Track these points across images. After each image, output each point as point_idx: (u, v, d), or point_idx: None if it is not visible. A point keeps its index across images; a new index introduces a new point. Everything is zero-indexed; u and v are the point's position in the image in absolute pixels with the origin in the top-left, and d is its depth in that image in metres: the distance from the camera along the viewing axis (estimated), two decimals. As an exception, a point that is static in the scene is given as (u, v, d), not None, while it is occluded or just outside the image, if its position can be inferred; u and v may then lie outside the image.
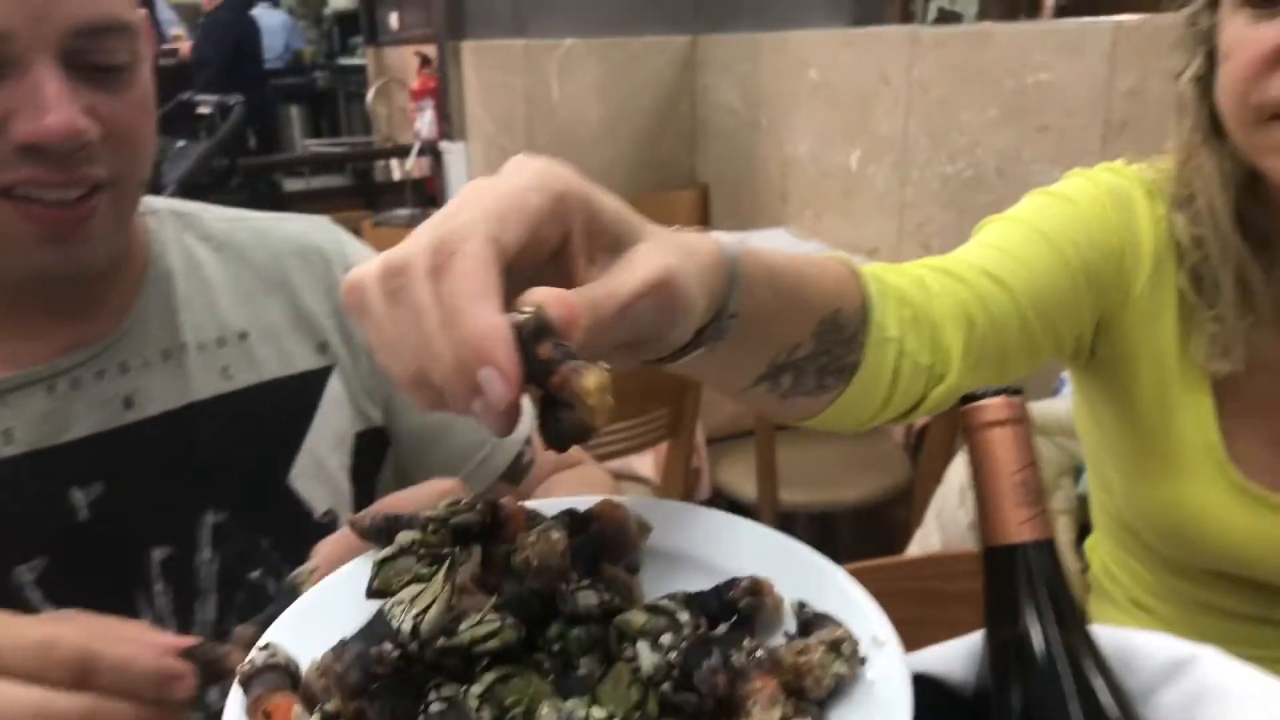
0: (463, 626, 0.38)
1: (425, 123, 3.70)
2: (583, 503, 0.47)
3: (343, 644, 0.37)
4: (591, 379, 0.35)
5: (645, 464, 1.97)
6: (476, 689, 0.37)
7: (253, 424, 0.69)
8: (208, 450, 0.67)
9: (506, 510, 0.45)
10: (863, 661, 0.39)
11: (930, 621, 0.55)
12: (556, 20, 2.94)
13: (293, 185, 5.10)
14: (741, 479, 1.94)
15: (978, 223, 0.77)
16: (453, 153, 3.59)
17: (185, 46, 5.82)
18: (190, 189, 2.96)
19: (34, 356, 0.63)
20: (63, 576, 0.62)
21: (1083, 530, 1.03)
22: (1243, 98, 0.67)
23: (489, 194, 0.38)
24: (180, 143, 3.24)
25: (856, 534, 2.17)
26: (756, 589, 0.43)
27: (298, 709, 0.38)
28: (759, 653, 0.38)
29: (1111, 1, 1.72)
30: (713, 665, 0.37)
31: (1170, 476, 0.78)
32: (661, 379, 1.71)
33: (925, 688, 0.41)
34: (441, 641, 0.37)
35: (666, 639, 0.38)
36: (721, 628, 0.42)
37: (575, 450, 0.72)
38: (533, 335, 0.36)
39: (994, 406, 0.43)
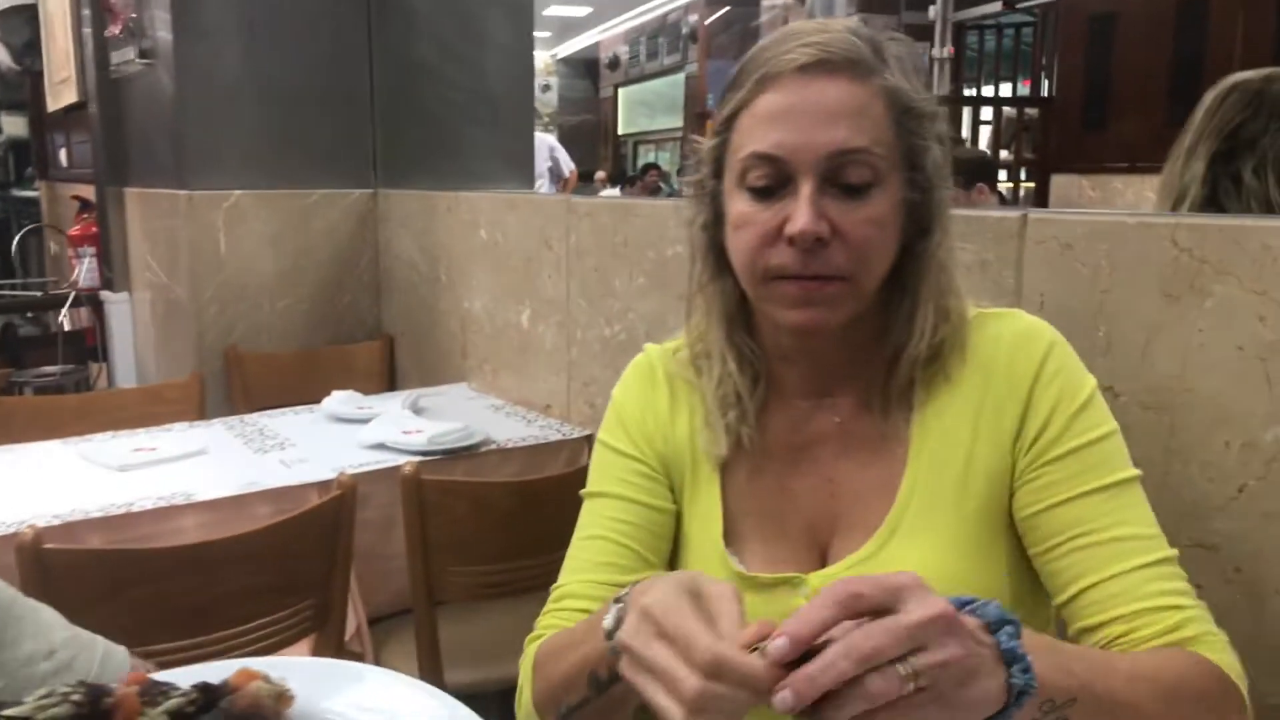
0: None
1: (85, 271, 3.41)
2: (221, 670, 0.45)
3: None
4: None
5: (303, 654, 1.82)
6: None
7: None
8: None
9: (116, 697, 0.42)
10: None
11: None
12: (223, 171, 2.82)
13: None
14: (408, 658, 1.83)
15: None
16: (116, 303, 3.31)
17: None
18: None
19: None
20: None
21: None
22: (752, 264, 0.86)
23: None
24: None
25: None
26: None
27: None
28: None
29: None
30: None
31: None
32: (307, 566, 1.60)
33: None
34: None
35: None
36: None
37: None
38: None
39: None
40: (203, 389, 2.46)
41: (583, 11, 13.39)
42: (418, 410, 2.25)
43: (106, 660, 0.79)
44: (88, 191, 3.69)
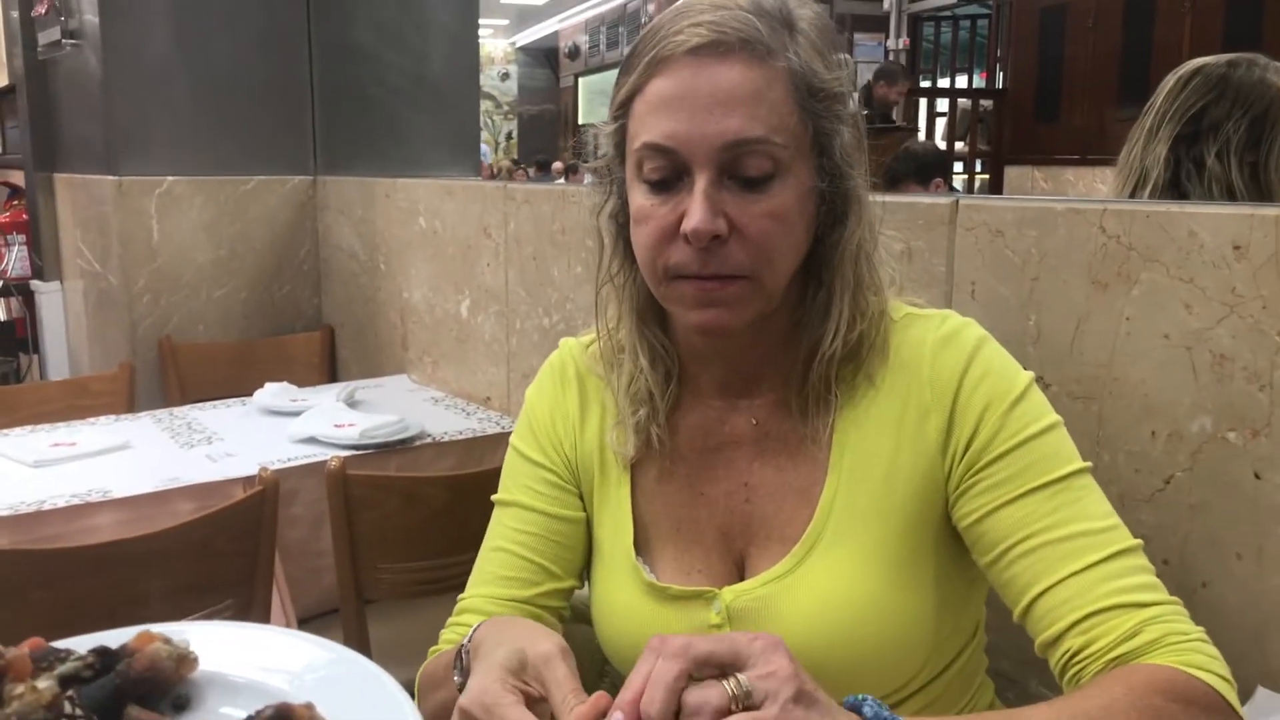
0: None
1: (15, 259, 3.30)
2: (123, 636, 0.45)
3: None
4: None
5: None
6: None
7: None
8: None
9: (7, 658, 0.42)
10: None
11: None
12: (154, 156, 2.74)
13: None
14: (339, 659, 1.78)
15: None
16: (47, 293, 3.21)
17: None
18: None
19: None
20: None
21: None
22: (653, 262, 0.81)
23: None
24: None
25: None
26: (287, 713, 0.42)
27: None
28: None
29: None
30: None
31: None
32: (227, 564, 1.54)
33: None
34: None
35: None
36: None
37: None
38: None
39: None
40: (132, 381, 2.39)
41: (541, 0, 13.28)
42: (353, 403, 2.19)
43: None
44: (18, 178, 3.57)
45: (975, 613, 0.93)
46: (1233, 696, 0.70)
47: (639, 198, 0.81)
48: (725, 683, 0.56)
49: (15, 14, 3.19)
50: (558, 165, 11.39)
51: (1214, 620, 0.96)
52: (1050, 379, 1.09)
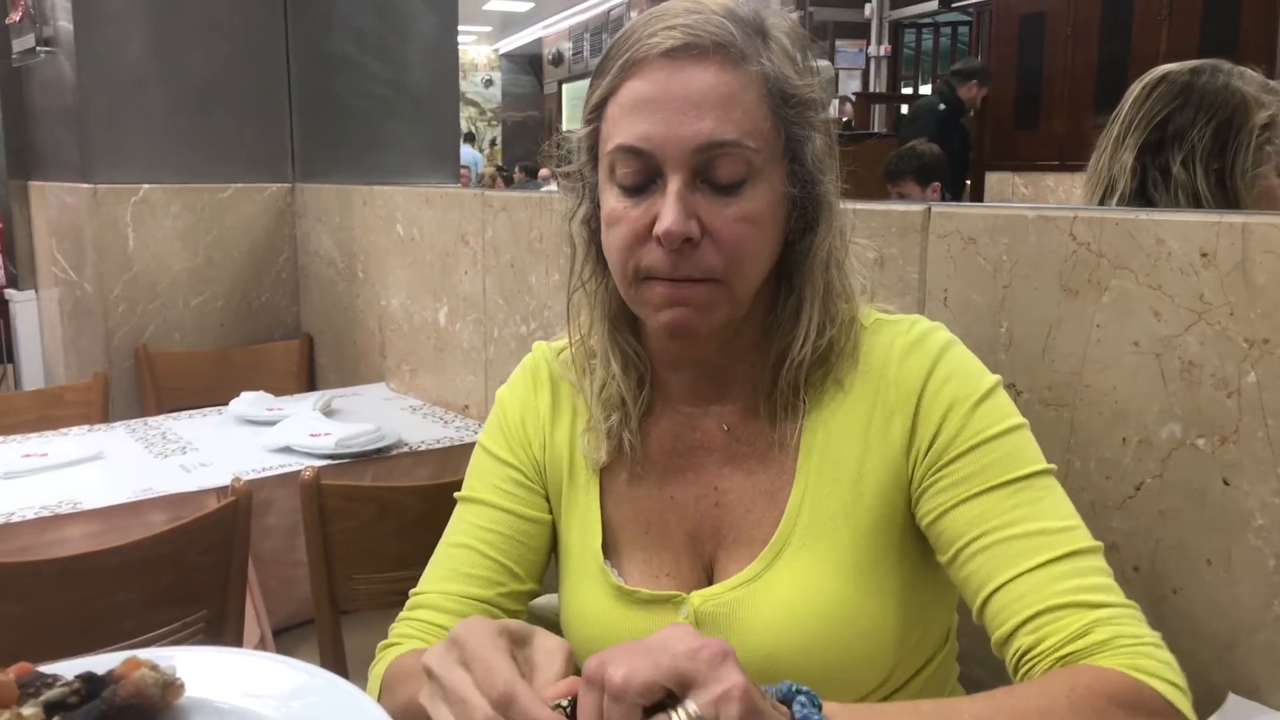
0: None
1: (-11, 268, 3.27)
2: (112, 662, 0.45)
3: None
4: None
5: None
6: None
7: None
8: None
9: None
10: None
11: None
12: (130, 164, 2.71)
13: None
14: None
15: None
16: (21, 302, 3.18)
17: None
18: None
19: None
20: None
21: None
22: (624, 264, 0.81)
23: None
24: None
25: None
26: None
27: None
28: None
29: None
30: None
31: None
32: (200, 576, 1.53)
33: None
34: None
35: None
36: None
37: None
38: None
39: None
40: (106, 391, 2.36)
41: (524, 7, 13.29)
42: (330, 412, 2.18)
43: None
44: (-7, 185, 3.54)
45: (945, 619, 0.93)
46: (1183, 704, 0.69)
47: (611, 200, 0.81)
48: (674, 714, 0.54)
49: (-10, 21, 3.16)
50: (544, 171, 11.39)
51: (1185, 626, 0.96)
52: (1022, 386, 1.09)
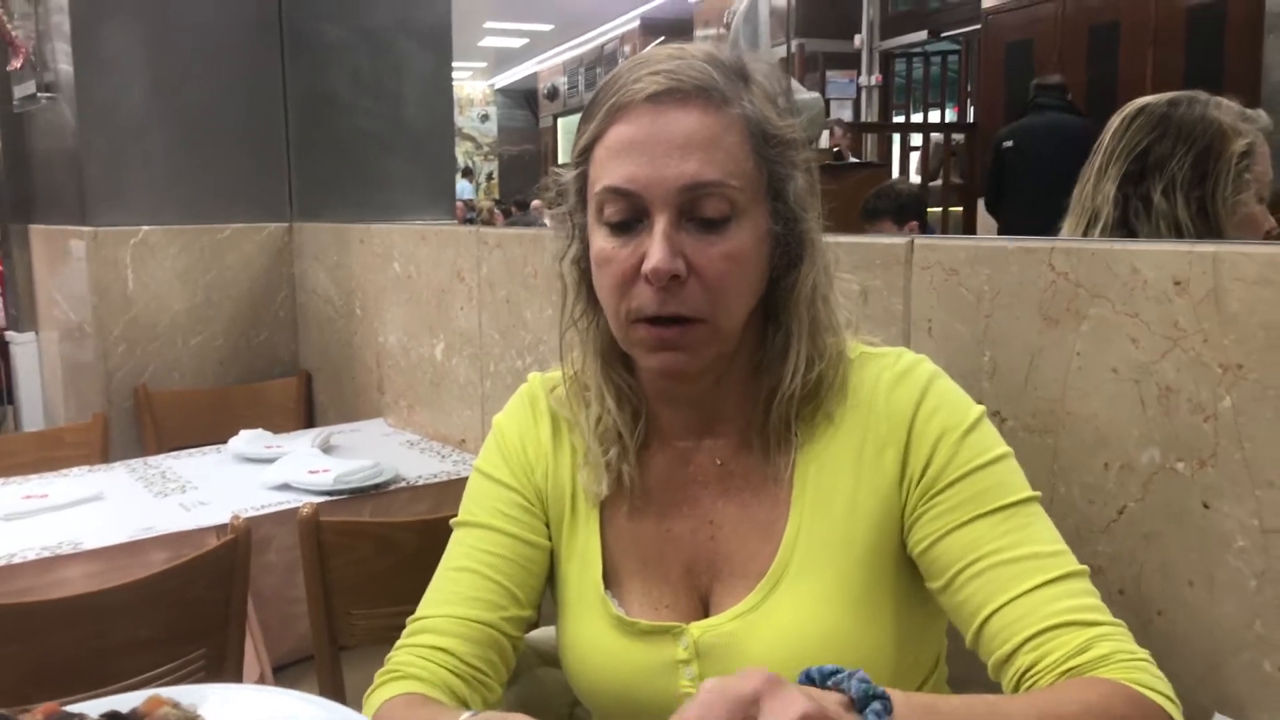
0: None
1: (-11, 311, 3.30)
2: (132, 700, 0.45)
3: None
4: None
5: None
6: None
7: None
8: None
9: None
10: None
11: None
12: (129, 206, 2.75)
13: None
14: (315, 707, 1.77)
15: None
16: (22, 344, 3.20)
17: None
18: None
19: None
20: None
21: None
22: (616, 306, 0.83)
23: None
24: None
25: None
26: None
27: None
28: None
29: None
30: None
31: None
32: (200, 614, 1.54)
33: None
34: None
35: None
36: None
37: None
38: None
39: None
40: (106, 431, 2.38)
41: (519, 43, 13.44)
42: (328, 448, 2.19)
43: None
44: (-7, 229, 3.57)
45: (936, 645, 0.94)
46: (1180, 718, 0.72)
47: (600, 240, 0.83)
48: None
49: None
50: (537, 204, 11.46)
51: (1170, 648, 0.98)
52: (1006, 414, 1.11)
